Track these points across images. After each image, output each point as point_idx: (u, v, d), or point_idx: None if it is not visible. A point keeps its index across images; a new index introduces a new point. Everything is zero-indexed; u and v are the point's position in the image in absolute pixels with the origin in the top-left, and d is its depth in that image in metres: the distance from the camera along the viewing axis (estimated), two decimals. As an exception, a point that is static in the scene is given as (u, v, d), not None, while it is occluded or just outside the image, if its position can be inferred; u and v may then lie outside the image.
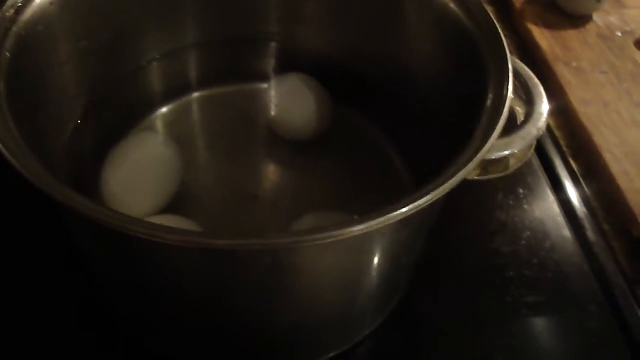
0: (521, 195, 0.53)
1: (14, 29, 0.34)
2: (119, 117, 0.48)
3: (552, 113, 0.61)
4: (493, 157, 0.32)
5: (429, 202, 0.27)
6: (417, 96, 0.45)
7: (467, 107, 0.35)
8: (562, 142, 0.58)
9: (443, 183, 0.27)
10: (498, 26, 0.37)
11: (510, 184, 0.54)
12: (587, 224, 0.51)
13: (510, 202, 0.52)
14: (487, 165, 0.33)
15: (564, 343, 0.45)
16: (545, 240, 0.50)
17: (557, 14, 0.69)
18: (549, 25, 0.68)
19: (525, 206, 0.52)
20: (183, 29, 0.48)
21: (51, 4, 0.37)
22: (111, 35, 0.43)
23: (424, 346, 0.44)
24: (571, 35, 0.67)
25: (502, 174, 0.34)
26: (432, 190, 0.27)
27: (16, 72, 0.33)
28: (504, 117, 0.31)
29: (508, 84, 0.33)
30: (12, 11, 0.34)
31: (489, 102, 0.33)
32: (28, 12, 0.35)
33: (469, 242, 0.50)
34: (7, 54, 0.33)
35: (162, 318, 0.39)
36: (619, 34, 0.68)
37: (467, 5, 0.39)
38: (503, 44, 0.35)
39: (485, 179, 0.33)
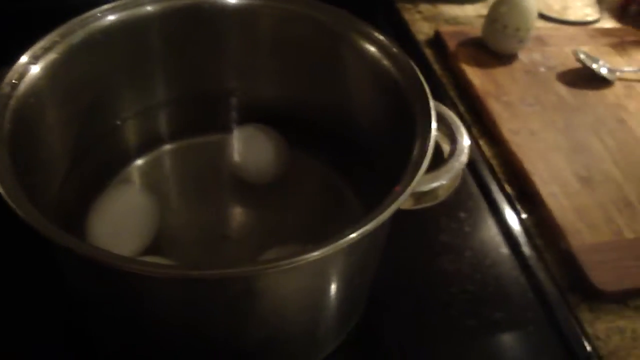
0: (462, 219, 0.58)
1: (12, 103, 0.39)
2: (99, 170, 0.50)
3: (487, 143, 0.67)
4: (424, 189, 0.38)
5: (367, 232, 0.32)
6: (363, 140, 0.49)
7: (401, 148, 0.40)
8: (497, 169, 0.64)
9: (377, 216, 0.33)
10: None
11: (452, 209, 0.59)
12: (522, 240, 0.57)
13: (453, 225, 0.57)
14: (419, 196, 0.38)
15: (509, 348, 0.50)
16: (486, 258, 0.55)
17: (487, 54, 0.75)
18: (480, 64, 0.74)
19: (467, 228, 0.57)
20: (153, 89, 0.52)
21: (39, 78, 0.41)
22: (90, 100, 0.47)
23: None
24: (500, 72, 0.74)
25: (433, 203, 0.40)
26: (369, 222, 0.32)
27: (14, 139, 0.37)
28: (428, 157, 0.37)
29: (431, 129, 0.39)
30: (8, 88, 0.39)
31: (417, 144, 0.38)
32: (21, 87, 0.40)
33: (417, 263, 0.54)
34: (8, 125, 0.37)
35: (147, 345, 0.42)
36: (542, 69, 0.75)
37: (397, 60, 0.44)
38: (427, 95, 0.40)
39: (419, 208, 0.39)
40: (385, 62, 0.45)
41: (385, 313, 0.50)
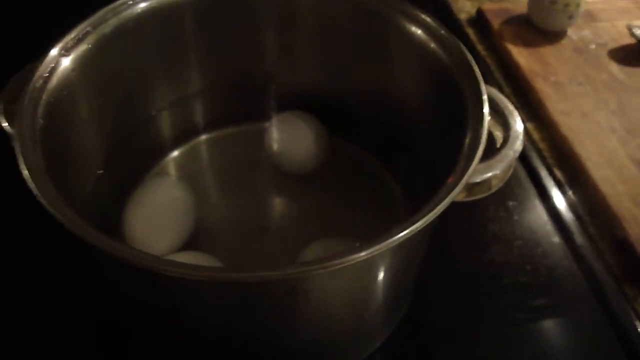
0: (511, 207, 0.56)
1: (44, 97, 0.38)
2: (135, 163, 0.50)
3: (535, 126, 0.64)
4: (477, 180, 0.36)
5: (419, 229, 0.30)
6: (407, 127, 0.48)
7: (451, 136, 0.38)
8: (546, 154, 0.61)
9: (429, 212, 0.31)
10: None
11: (500, 197, 0.56)
12: (574, 229, 0.54)
13: (502, 214, 0.55)
14: (471, 187, 0.36)
15: (560, 342, 0.48)
16: (537, 247, 0.53)
17: (534, 32, 0.72)
18: (526, 43, 0.71)
19: (516, 217, 0.55)
20: (187, 78, 0.51)
21: (72, 70, 0.40)
22: (123, 92, 0.46)
23: (432, 355, 0.47)
24: (548, 51, 0.70)
25: (486, 194, 0.37)
26: (420, 218, 0.30)
27: (48, 134, 0.37)
28: (482, 146, 0.35)
29: (484, 116, 0.36)
30: (40, 82, 0.38)
31: (468, 132, 0.36)
32: (54, 81, 0.39)
33: (466, 254, 0.53)
34: (41, 120, 0.36)
35: (188, 347, 0.41)
36: (593, 46, 0.71)
37: (445, 43, 0.42)
38: (478, 79, 0.38)
39: (472, 200, 0.37)
40: (433, 44, 0.43)
41: (433, 306, 0.49)
